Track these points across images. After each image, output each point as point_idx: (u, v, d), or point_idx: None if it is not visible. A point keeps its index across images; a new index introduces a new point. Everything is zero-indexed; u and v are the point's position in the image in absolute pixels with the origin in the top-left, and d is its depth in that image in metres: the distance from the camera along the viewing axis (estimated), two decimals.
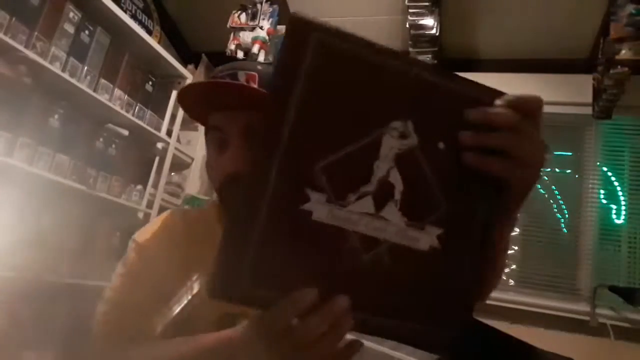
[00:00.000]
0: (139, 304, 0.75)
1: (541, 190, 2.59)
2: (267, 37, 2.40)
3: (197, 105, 0.82)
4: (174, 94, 2.38)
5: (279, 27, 2.59)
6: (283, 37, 0.46)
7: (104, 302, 0.77)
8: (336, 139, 0.45)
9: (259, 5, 2.46)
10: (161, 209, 2.26)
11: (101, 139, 1.99)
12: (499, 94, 0.49)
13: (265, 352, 0.48)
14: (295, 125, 0.44)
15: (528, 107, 0.49)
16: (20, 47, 1.57)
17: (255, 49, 2.37)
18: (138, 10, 2.60)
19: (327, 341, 0.45)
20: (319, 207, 0.43)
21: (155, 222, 0.86)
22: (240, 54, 2.41)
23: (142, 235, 0.83)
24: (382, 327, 0.46)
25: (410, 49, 2.55)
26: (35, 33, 1.65)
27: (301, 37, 0.44)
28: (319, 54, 0.44)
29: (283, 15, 2.62)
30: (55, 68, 1.71)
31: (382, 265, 0.45)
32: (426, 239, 0.46)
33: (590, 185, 2.49)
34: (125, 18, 2.04)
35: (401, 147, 0.46)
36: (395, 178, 0.46)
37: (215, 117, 0.81)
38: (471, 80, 0.50)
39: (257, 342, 0.49)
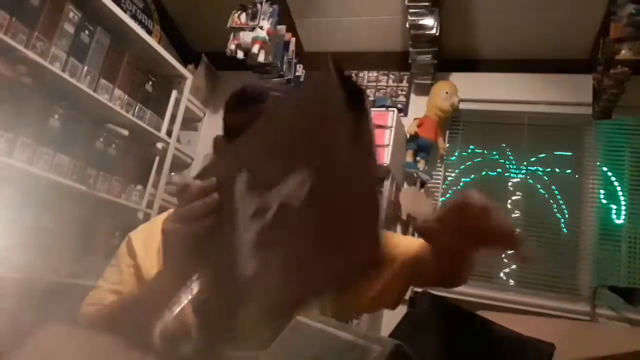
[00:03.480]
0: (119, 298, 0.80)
1: (541, 190, 2.59)
2: (267, 37, 2.40)
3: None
4: (174, 93, 2.38)
5: (278, 27, 2.59)
6: None
7: (93, 290, 0.83)
8: None
9: (259, 5, 2.45)
10: (161, 209, 2.26)
11: (101, 139, 1.99)
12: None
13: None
14: None
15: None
16: (20, 47, 1.57)
17: (255, 48, 2.37)
18: (138, 10, 2.61)
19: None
20: None
21: (152, 222, 0.92)
22: (240, 54, 2.41)
23: (136, 232, 0.90)
24: None
25: (410, 49, 2.55)
26: (35, 33, 1.64)
27: None
28: None
29: (283, 15, 2.62)
30: (55, 68, 1.71)
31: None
32: None
33: (590, 185, 2.50)
34: (125, 18, 2.04)
35: None
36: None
37: None
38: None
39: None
